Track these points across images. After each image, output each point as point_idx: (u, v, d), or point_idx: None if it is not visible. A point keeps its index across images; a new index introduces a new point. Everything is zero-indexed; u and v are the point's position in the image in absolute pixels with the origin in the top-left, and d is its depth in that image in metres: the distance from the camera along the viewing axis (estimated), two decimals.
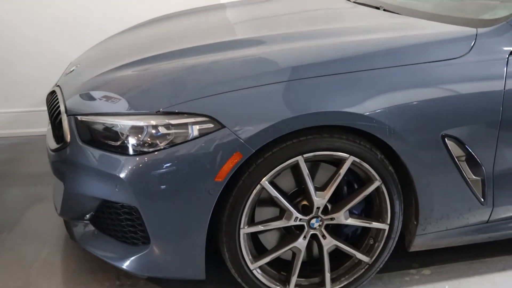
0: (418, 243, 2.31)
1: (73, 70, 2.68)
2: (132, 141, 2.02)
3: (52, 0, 4.01)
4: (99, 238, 2.25)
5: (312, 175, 2.15)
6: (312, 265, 2.32)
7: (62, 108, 2.34)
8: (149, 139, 2.00)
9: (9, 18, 4.00)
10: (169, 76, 2.19)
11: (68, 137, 2.21)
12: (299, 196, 2.20)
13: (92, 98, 2.27)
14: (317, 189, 2.13)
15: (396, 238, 2.26)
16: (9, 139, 4.04)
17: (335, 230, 2.28)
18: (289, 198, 2.16)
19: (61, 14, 4.02)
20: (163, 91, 2.12)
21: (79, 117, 2.18)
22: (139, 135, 2.01)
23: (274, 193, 2.06)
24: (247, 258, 2.12)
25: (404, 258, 2.56)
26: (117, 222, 2.15)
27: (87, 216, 2.25)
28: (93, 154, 2.11)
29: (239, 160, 1.97)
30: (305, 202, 2.18)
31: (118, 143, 2.05)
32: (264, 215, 2.20)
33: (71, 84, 2.48)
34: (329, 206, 2.20)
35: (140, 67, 2.33)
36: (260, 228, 2.13)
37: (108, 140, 2.08)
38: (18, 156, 3.74)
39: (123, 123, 2.04)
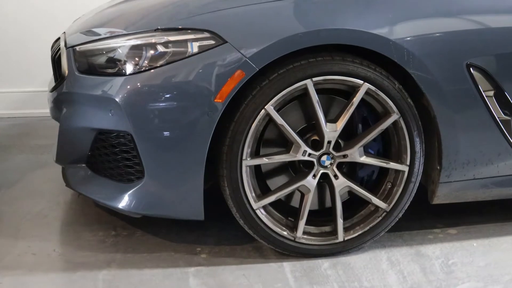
0: (442, 194, 2.08)
1: (79, 18, 2.59)
2: (130, 62, 1.88)
3: None
4: (94, 181, 2.09)
5: (325, 112, 1.96)
6: (324, 216, 2.11)
7: (62, 44, 2.23)
8: (146, 59, 1.86)
9: None
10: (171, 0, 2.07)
11: (66, 71, 2.09)
12: (308, 132, 2.01)
13: (95, 34, 2.15)
14: (328, 121, 1.94)
15: (417, 183, 2.03)
16: (25, 118, 3.99)
17: (349, 173, 2.08)
18: (298, 133, 1.96)
19: None
20: (164, 11, 2.00)
21: (77, 48, 2.06)
22: (138, 56, 1.87)
23: (280, 120, 1.88)
24: (250, 195, 1.93)
25: (427, 218, 2.33)
26: (112, 158, 1.99)
27: (83, 158, 2.10)
28: (89, 82, 1.98)
29: (241, 79, 1.81)
30: (315, 137, 1.98)
31: (116, 69, 1.91)
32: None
33: (74, 27, 2.38)
34: (342, 143, 2.00)
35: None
36: (264, 160, 1.93)
37: (106, 69, 1.95)
38: (30, 131, 3.66)
39: (122, 43, 1.91)
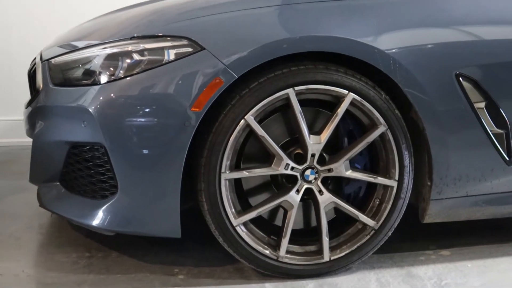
0: (434, 212, 1.97)
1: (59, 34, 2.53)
2: (105, 71, 1.80)
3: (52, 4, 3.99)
4: (67, 199, 1.98)
5: (309, 125, 1.87)
6: (309, 235, 2.00)
7: (37, 59, 2.16)
8: (122, 68, 1.78)
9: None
10: (150, 9, 2.01)
11: (40, 85, 2.01)
12: (292, 146, 1.92)
13: (73, 47, 2.07)
14: (312, 133, 1.85)
15: (407, 199, 1.92)
16: (7, 147, 3.92)
17: (335, 189, 1.97)
18: (281, 147, 1.87)
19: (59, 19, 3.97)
20: (142, 21, 1.94)
21: (52, 60, 1.99)
22: (113, 66, 1.79)
23: (261, 131, 1.79)
24: (229, 211, 1.82)
25: (419, 239, 2.21)
26: (86, 173, 1.89)
27: (56, 175, 2.00)
28: (63, 94, 1.90)
29: (219, 87, 1.73)
30: (298, 151, 1.89)
31: (91, 80, 1.83)
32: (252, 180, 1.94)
33: (53, 42, 2.31)
34: (327, 157, 1.91)
35: (125, 11, 2.16)
36: (244, 174, 1.83)
37: (81, 80, 1.87)
38: (12, 159, 3.59)
39: (97, 53, 1.83)
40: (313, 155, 1.84)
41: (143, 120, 1.74)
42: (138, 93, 1.74)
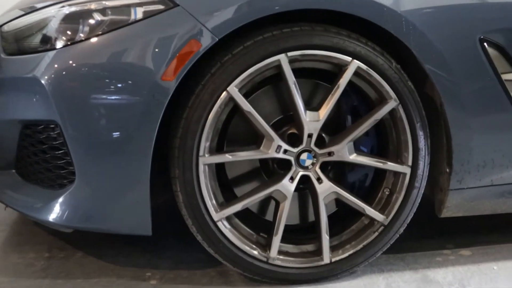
0: (453, 204, 1.67)
1: None
2: (62, 35, 1.50)
3: None
4: (22, 189, 1.67)
5: (306, 101, 1.57)
6: (306, 233, 1.70)
7: None
8: (81, 30, 1.48)
9: None
10: None
11: None
12: (285, 125, 1.62)
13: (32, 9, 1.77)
14: (309, 109, 1.55)
15: (422, 189, 1.62)
16: None
17: (336, 177, 1.67)
18: (272, 127, 1.57)
19: None
20: None
21: (5, 26, 1.68)
22: (72, 28, 1.49)
23: (246, 105, 1.48)
24: (209, 203, 1.52)
25: (435, 237, 1.91)
26: (41, 158, 1.59)
27: (11, 162, 1.69)
28: (15, 64, 1.58)
29: (196, 52, 1.42)
30: (293, 131, 1.59)
31: (47, 46, 1.53)
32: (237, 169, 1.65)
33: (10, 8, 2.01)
34: (326, 139, 1.61)
35: None
36: (227, 158, 1.52)
37: (35, 46, 1.56)
38: None
39: (54, 13, 1.53)
40: (310, 136, 1.54)
41: (102, 92, 1.43)
42: (97, 60, 1.44)
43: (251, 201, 1.55)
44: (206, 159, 1.49)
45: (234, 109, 1.54)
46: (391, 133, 1.61)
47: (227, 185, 1.65)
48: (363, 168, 1.67)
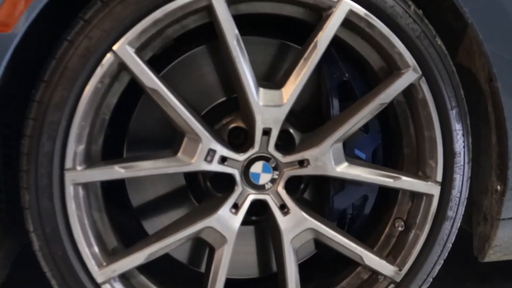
0: (504, 241, 1.02)
1: None
2: None
3: None
4: None
5: (265, 75, 0.94)
6: None
7: None
8: None
9: None
10: None
11: None
12: (224, 116, 0.96)
13: None
14: (265, 86, 0.89)
15: (458, 221, 0.96)
16: None
17: (313, 202, 1.02)
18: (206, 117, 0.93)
19: None
20: None
21: None
22: None
23: (150, 79, 0.82)
24: (87, 252, 0.85)
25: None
26: None
27: None
28: None
29: None
30: (237, 124, 0.94)
31: None
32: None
33: None
34: (296, 137, 0.96)
35: None
36: (118, 172, 0.84)
37: None
38: None
39: None
40: (266, 132, 0.88)
41: None
42: None
43: (163, 247, 0.88)
44: (77, 175, 0.83)
45: (134, 86, 0.88)
46: (407, 127, 0.96)
47: (131, 216, 1.00)
48: (360, 187, 1.00)
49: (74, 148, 0.82)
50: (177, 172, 0.87)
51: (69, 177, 0.82)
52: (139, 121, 0.95)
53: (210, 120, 0.93)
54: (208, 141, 0.86)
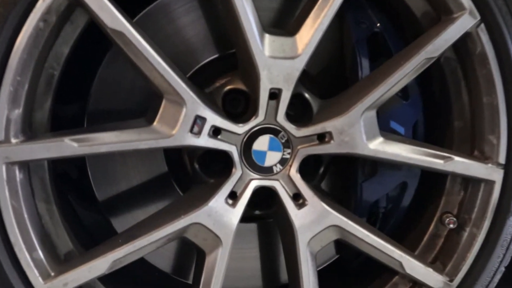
0: None
1: None
2: None
3: None
4: None
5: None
6: None
7: None
8: None
9: None
10: None
11: None
12: (218, 76, 0.73)
13: None
14: (272, 32, 0.66)
15: None
16: None
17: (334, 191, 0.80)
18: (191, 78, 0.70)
19: None
20: None
21: None
22: None
23: (115, 19, 0.59)
24: (28, 258, 0.61)
25: None
26: None
27: None
28: None
29: None
30: (234, 86, 0.71)
31: None
32: None
33: None
34: (314, 104, 0.72)
35: None
36: (71, 147, 0.61)
37: None
38: None
39: None
40: (274, 95, 0.65)
41: None
42: None
43: (134, 252, 0.64)
44: (12, 150, 0.59)
45: (97, 33, 0.65)
46: (458, 92, 0.73)
47: (96, 211, 0.76)
48: (397, 171, 0.77)
49: (7, 112, 0.59)
50: (153, 148, 0.64)
51: None
52: (105, 82, 0.72)
53: (198, 83, 0.71)
54: (195, 104, 0.62)
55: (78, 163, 0.76)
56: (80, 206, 0.81)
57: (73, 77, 0.68)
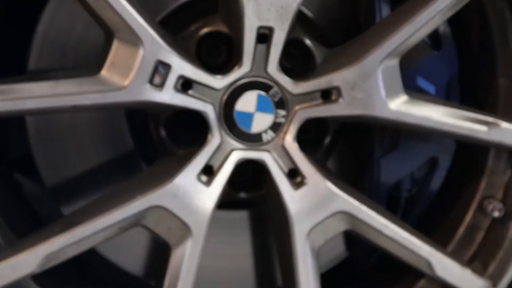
0: None
1: None
2: None
3: None
4: None
5: None
6: None
7: None
8: None
9: None
10: None
11: None
12: (192, 21, 0.57)
13: None
14: None
15: None
16: None
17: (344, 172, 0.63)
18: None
19: None
20: None
21: None
22: None
23: None
24: None
25: None
26: None
27: None
28: None
29: None
30: (212, 28, 0.55)
31: None
32: None
33: None
34: (317, 52, 0.57)
35: None
36: None
37: None
38: None
39: None
40: (264, 37, 0.49)
41: None
42: None
43: (73, 244, 0.48)
44: None
45: None
46: (505, 41, 0.57)
47: (43, 196, 0.61)
48: (425, 143, 0.60)
49: None
50: (99, 105, 0.48)
51: None
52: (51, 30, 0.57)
53: (169, 29, 0.55)
54: (155, 46, 0.46)
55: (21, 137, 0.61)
56: (28, 189, 0.65)
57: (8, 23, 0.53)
